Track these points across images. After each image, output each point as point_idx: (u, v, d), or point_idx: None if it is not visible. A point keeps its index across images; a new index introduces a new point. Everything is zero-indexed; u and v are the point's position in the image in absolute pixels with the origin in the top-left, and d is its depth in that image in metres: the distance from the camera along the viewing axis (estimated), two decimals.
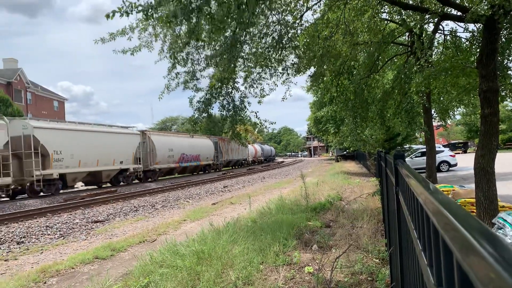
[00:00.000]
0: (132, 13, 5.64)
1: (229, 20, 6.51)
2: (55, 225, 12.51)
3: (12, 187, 19.11)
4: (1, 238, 10.70)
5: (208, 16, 6.09)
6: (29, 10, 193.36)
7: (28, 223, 12.89)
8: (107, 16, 5.57)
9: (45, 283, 6.75)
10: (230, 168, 48.69)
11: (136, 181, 28.95)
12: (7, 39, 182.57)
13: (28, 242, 10.44)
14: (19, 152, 19.25)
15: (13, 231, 11.57)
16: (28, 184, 19.90)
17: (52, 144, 20.46)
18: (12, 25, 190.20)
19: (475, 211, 7.75)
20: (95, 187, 25.74)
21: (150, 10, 5.74)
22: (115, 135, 25.74)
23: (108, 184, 26.72)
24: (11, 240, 10.55)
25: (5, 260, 8.60)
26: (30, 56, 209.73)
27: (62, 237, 10.95)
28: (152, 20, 5.84)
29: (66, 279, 6.90)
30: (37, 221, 13.24)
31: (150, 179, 29.69)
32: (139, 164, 27.82)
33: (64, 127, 22.42)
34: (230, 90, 9.58)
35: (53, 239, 10.72)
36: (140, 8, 5.67)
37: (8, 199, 19.36)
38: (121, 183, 26.75)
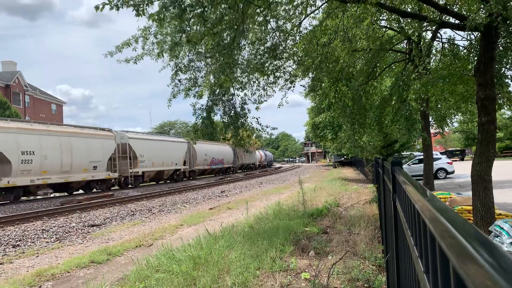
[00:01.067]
0: (122, 7, 5.63)
1: (222, 24, 6.50)
2: (51, 228, 12.46)
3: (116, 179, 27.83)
4: None
5: (200, 18, 6.07)
6: (29, 13, 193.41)
7: (24, 226, 12.83)
8: (96, 8, 5.56)
9: (40, 287, 6.71)
10: (244, 170, 56.07)
11: (185, 178, 36.85)
12: (6, 41, 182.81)
13: (24, 246, 10.38)
14: (119, 155, 27.74)
15: (8, 234, 11.50)
16: (122, 178, 28.42)
17: (138, 150, 29.03)
18: (12, 28, 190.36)
19: (472, 218, 7.75)
20: (154, 183, 34.20)
21: (141, 6, 5.72)
22: (174, 143, 34.76)
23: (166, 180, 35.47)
24: (7, 243, 10.49)
25: (0, 264, 8.54)
26: (29, 59, 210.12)
27: (58, 241, 10.89)
28: (143, 16, 5.80)
29: (62, 283, 6.86)
30: (33, 224, 13.18)
31: (191, 178, 37.86)
32: (186, 166, 36.24)
33: (144, 137, 31.79)
34: (231, 96, 9.65)
35: (49, 243, 10.67)
36: (131, 2, 5.65)
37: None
38: (175, 180, 35.06)
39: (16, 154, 19.44)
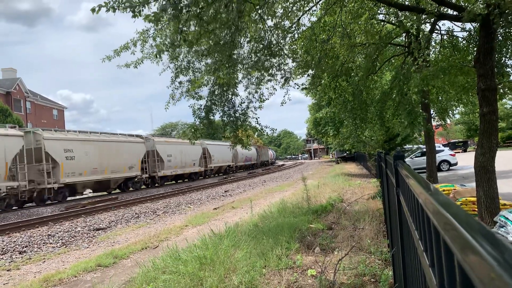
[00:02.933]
0: (119, 9, 5.62)
1: (218, 22, 6.48)
2: (57, 233, 12.50)
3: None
4: (3, 248, 10.69)
5: (197, 17, 6.05)
6: (27, 19, 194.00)
7: (30, 232, 12.87)
8: (93, 10, 5.53)
9: None
10: (263, 166, 65.60)
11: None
12: (5, 48, 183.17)
13: (30, 251, 10.42)
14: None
15: (15, 241, 11.55)
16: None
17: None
18: (11, 34, 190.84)
19: (476, 209, 7.75)
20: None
21: (137, 8, 5.69)
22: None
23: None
24: (13, 250, 10.53)
25: (8, 270, 8.58)
26: (29, 65, 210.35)
27: (64, 246, 10.93)
28: (139, 17, 5.78)
29: None
30: (39, 230, 13.23)
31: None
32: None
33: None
34: (230, 96, 9.64)
35: (55, 248, 10.71)
36: (127, 4, 5.62)
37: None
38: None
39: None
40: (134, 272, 6.95)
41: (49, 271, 8.13)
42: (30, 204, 22.36)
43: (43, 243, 11.33)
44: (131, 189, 29.70)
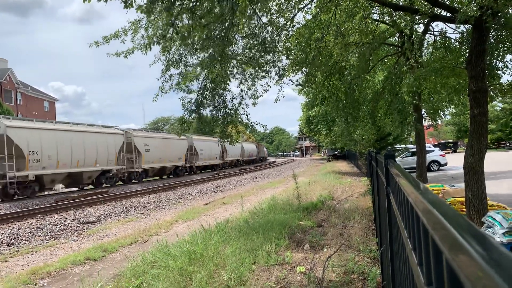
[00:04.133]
0: None
1: (211, 17, 6.42)
2: (46, 226, 12.41)
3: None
4: None
5: (190, 11, 5.99)
6: (20, 10, 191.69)
7: (18, 225, 12.76)
8: None
9: (35, 285, 6.70)
10: (260, 161, 72.79)
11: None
12: None
13: (19, 244, 10.34)
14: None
15: (2, 233, 11.45)
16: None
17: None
18: (2, 24, 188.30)
19: (465, 210, 7.83)
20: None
21: None
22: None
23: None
24: (1, 242, 10.44)
25: None
26: (20, 56, 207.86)
27: (53, 239, 10.86)
28: (131, 8, 5.69)
29: (57, 281, 6.85)
30: (28, 223, 13.12)
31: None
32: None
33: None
34: (222, 92, 9.60)
35: (44, 241, 10.63)
36: None
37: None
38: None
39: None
40: (123, 266, 6.93)
41: (37, 263, 8.07)
42: None
43: (32, 235, 11.25)
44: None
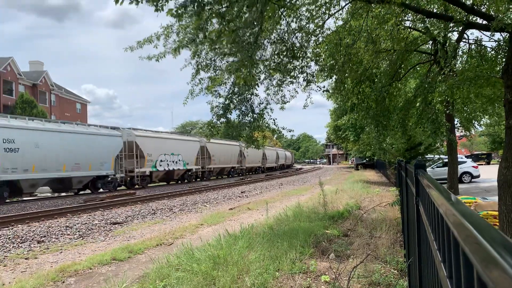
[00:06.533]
0: (142, 2, 5.64)
1: (240, 21, 6.44)
2: (75, 225, 12.71)
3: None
4: (23, 237, 10.93)
5: (219, 16, 6.04)
6: (56, 14, 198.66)
7: (48, 223, 13.13)
8: (116, 1, 5.51)
9: (63, 282, 6.85)
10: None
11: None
12: (34, 42, 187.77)
13: (48, 242, 10.62)
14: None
15: (34, 230, 11.79)
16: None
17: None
18: (40, 28, 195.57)
19: (498, 224, 7.55)
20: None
21: (160, 1, 5.70)
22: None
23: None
24: (32, 239, 10.75)
25: (26, 259, 8.76)
26: (55, 59, 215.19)
27: (81, 238, 11.10)
28: (162, 11, 5.79)
29: (84, 279, 6.99)
30: (57, 221, 13.48)
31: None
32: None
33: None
34: (249, 96, 9.63)
35: (73, 239, 10.89)
36: None
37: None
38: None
39: None
40: (148, 267, 7.00)
41: (66, 261, 8.26)
42: None
43: (61, 234, 11.54)
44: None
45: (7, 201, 19.73)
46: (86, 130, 24.47)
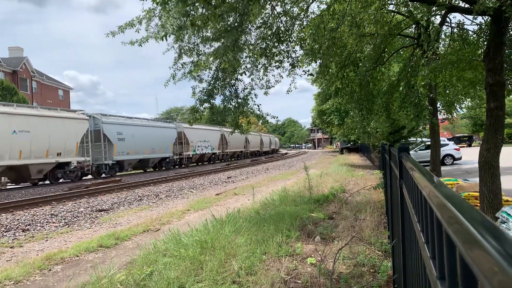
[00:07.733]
0: None
1: (226, 5, 6.36)
2: (60, 213, 12.61)
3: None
4: (7, 226, 10.81)
5: (205, 1, 5.95)
6: None
7: (33, 211, 13.00)
8: None
9: (50, 270, 6.82)
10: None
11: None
12: (13, 27, 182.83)
13: (33, 230, 10.53)
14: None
15: (18, 219, 11.67)
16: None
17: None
18: (19, 13, 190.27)
19: (479, 205, 7.74)
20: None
21: None
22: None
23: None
24: (17, 228, 10.65)
25: (11, 247, 8.68)
26: (36, 45, 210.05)
27: (67, 225, 11.03)
28: None
29: (71, 267, 6.97)
30: (42, 209, 13.35)
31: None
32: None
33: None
34: (233, 81, 9.56)
35: (58, 227, 10.81)
36: None
37: None
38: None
39: None
40: (135, 254, 7.01)
41: (52, 249, 8.21)
42: None
43: (46, 222, 11.44)
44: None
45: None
46: (156, 124, 34.40)
